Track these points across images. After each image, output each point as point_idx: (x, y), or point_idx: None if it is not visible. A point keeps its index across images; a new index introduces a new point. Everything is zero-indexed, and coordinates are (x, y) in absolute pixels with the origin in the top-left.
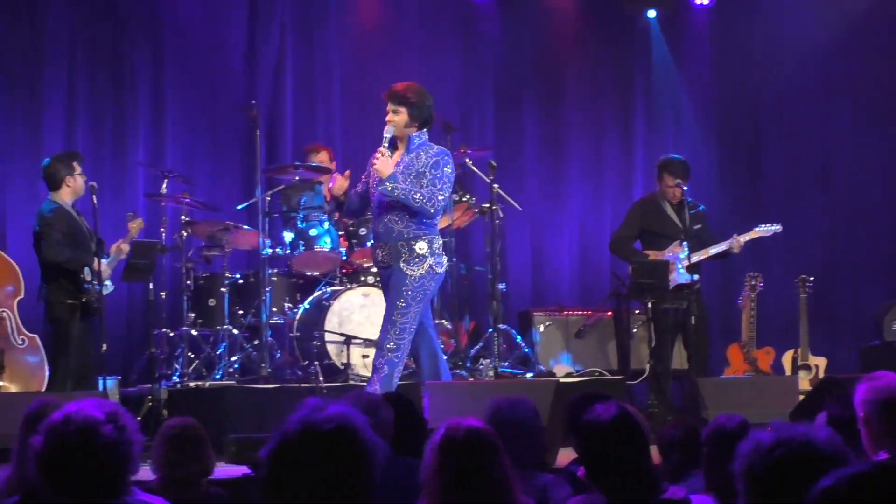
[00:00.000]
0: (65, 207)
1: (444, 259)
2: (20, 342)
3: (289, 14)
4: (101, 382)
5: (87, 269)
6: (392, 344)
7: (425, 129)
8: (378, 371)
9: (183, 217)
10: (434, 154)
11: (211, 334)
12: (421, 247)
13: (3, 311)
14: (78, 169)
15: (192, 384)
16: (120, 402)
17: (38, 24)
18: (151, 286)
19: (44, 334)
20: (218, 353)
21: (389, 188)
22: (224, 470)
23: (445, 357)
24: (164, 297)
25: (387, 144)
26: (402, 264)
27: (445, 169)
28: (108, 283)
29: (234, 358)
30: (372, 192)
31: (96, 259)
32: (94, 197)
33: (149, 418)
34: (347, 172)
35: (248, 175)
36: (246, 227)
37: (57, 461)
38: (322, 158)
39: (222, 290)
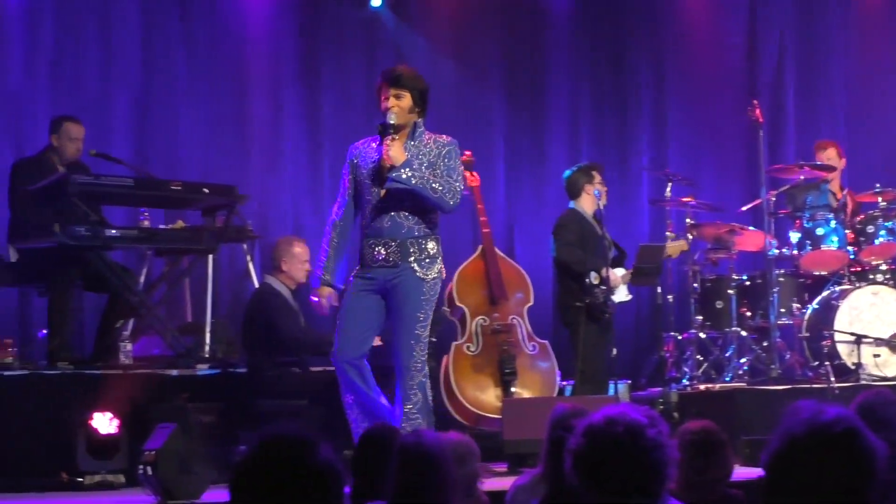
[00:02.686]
0: (580, 213)
1: None
2: (531, 348)
3: (790, 10)
4: (611, 386)
5: (592, 274)
6: (419, 363)
7: (423, 119)
8: (410, 401)
9: (688, 220)
10: (445, 144)
11: (719, 336)
12: (432, 247)
13: (513, 319)
14: (598, 178)
15: (701, 387)
16: None
17: (539, 35)
18: (659, 290)
19: (553, 340)
20: (727, 354)
21: (405, 175)
22: (739, 472)
23: None
24: (671, 300)
25: (391, 130)
26: (413, 264)
27: (458, 160)
28: (622, 291)
29: (742, 360)
30: (364, 188)
31: (604, 266)
32: (599, 203)
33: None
34: None
35: (752, 175)
36: (751, 227)
37: (603, 461)
38: (830, 155)
39: (729, 291)
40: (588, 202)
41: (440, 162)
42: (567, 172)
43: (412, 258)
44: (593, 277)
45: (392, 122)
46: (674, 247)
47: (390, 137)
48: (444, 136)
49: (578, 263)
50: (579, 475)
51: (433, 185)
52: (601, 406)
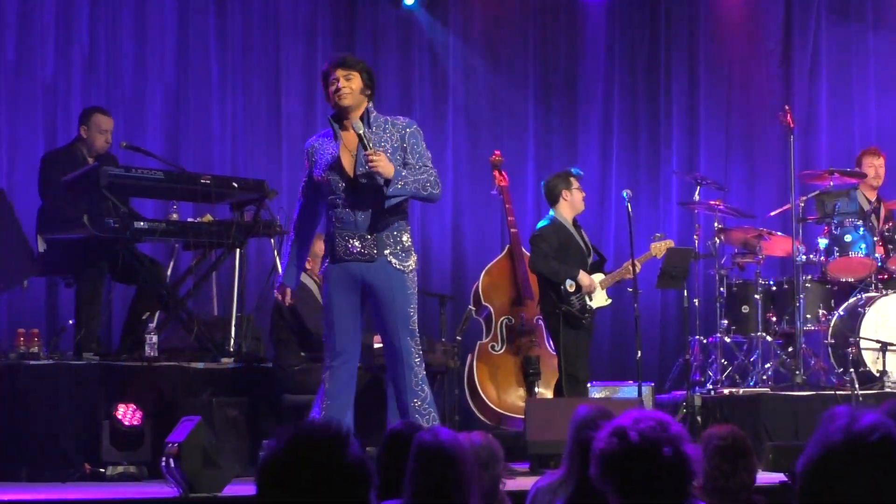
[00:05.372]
0: (560, 222)
1: None
2: (555, 349)
3: (824, 18)
4: (637, 389)
5: (568, 282)
6: (418, 358)
7: (372, 102)
8: (418, 396)
9: (716, 224)
10: (405, 125)
11: (744, 341)
12: (406, 239)
13: (539, 319)
14: (576, 184)
15: (725, 391)
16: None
17: (574, 38)
18: (685, 293)
19: None
20: (751, 359)
21: (401, 185)
22: (762, 477)
23: None
24: (697, 304)
25: (365, 140)
26: (390, 257)
27: (423, 140)
28: (601, 295)
29: (767, 365)
30: (330, 183)
31: (583, 272)
32: (628, 205)
33: (683, 425)
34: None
35: (782, 181)
36: (779, 233)
37: (632, 462)
38: (877, 163)
39: (756, 296)
40: (566, 208)
41: (408, 147)
42: (545, 179)
43: (388, 250)
44: (569, 285)
45: (359, 132)
46: (655, 247)
47: (373, 153)
48: (401, 118)
49: (553, 274)
50: (607, 476)
51: (426, 185)
52: (625, 408)
